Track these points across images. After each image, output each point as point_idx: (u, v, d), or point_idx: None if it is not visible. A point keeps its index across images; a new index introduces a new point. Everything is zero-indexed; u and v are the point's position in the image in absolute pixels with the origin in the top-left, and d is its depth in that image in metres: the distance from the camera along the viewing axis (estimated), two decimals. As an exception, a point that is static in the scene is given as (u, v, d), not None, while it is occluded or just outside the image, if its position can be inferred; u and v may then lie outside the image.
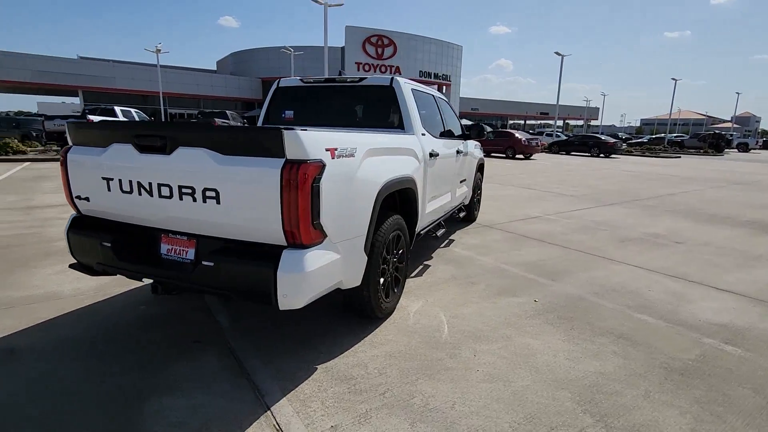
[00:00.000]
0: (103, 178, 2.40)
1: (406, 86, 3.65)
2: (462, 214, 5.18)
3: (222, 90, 44.66)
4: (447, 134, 4.57)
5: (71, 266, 2.67)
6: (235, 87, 45.37)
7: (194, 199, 2.16)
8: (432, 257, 4.48)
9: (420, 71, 43.68)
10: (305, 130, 2.05)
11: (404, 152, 3.14)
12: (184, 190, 2.17)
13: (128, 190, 2.33)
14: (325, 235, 2.17)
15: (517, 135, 20.40)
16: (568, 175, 13.66)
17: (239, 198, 2.07)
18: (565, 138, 28.38)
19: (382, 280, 2.88)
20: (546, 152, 26.83)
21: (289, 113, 4.08)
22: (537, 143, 20.82)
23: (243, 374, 2.33)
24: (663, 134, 42.18)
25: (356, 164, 2.37)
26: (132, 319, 2.96)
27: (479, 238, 5.29)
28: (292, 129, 1.96)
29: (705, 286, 3.85)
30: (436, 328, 2.91)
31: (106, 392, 2.15)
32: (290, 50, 32.55)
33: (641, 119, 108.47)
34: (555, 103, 35.60)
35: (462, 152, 4.79)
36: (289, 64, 34.80)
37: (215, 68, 55.09)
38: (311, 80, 3.96)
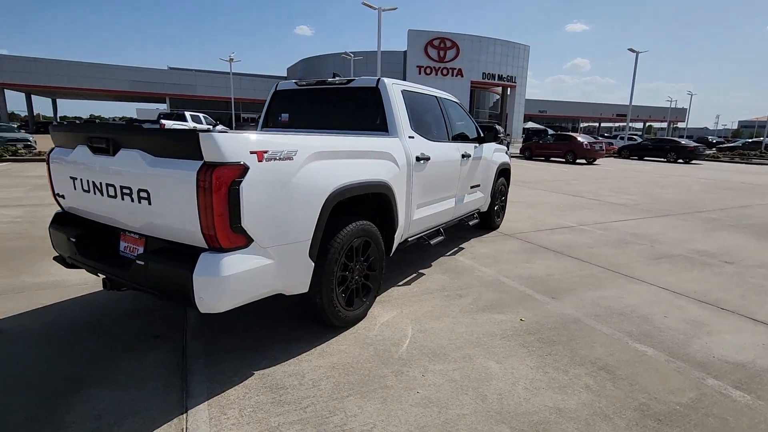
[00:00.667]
0: (71, 177, 2.57)
1: (393, 87, 3.52)
2: (473, 222, 4.88)
3: (289, 95, 46.79)
4: (456, 137, 4.36)
5: (54, 258, 2.88)
6: (303, 92, 47.26)
7: (132, 199, 2.22)
8: (431, 265, 4.28)
9: (483, 73, 42.57)
10: (241, 132, 2.03)
11: (376, 155, 3.02)
12: (124, 190, 2.25)
13: (87, 189, 2.47)
14: (250, 240, 2.12)
15: (578, 138, 19.06)
16: (630, 181, 12.49)
17: (165, 200, 2.10)
18: (638, 142, 26.01)
19: (340, 287, 2.79)
20: (615, 157, 24.85)
21: (285, 116, 4.12)
22: (601, 147, 19.29)
23: (181, 374, 2.36)
24: (762, 138, 37.16)
25: (295, 168, 2.30)
26: (118, 309, 3.13)
27: (492, 248, 4.97)
28: (209, 131, 1.95)
29: (739, 316, 3.27)
30: (396, 342, 2.75)
31: (50, 377, 2.28)
32: (350, 56, 33.29)
33: (739, 121, 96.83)
34: (632, 104, 32.84)
35: (470, 156, 4.52)
36: (354, 69, 35.69)
37: (286, 75, 58.01)
38: (304, 83, 3.96)
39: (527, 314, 3.20)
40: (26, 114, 49.20)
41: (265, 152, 2.14)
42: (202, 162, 1.96)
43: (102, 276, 2.50)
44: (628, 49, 28.18)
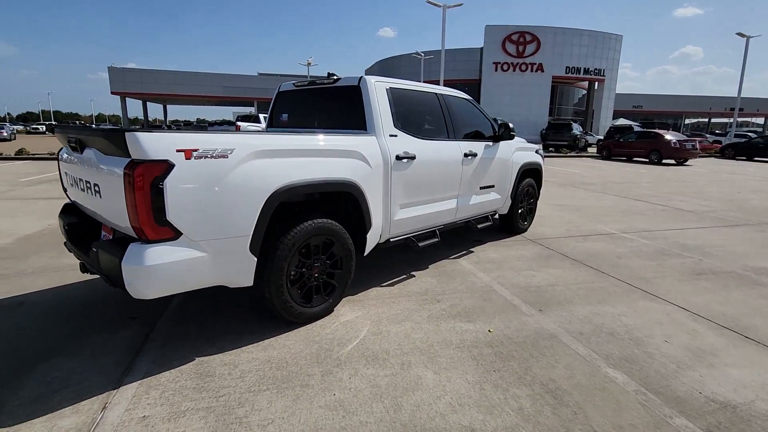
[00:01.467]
0: (65, 173, 2.93)
1: (375, 86, 3.46)
2: (482, 225, 4.56)
3: (365, 96, 48.10)
4: (460, 136, 4.18)
5: (64, 244, 3.31)
6: (377, 93, 48.15)
7: (92, 193, 2.48)
8: (427, 267, 4.15)
9: (567, 67, 39.82)
10: (177, 131, 2.18)
11: (340, 154, 3.00)
12: (88, 184, 2.51)
13: (72, 183, 2.80)
14: (178, 233, 2.25)
15: (665, 136, 16.99)
16: (716, 185, 10.87)
17: (108, 194, 2.31)
18: (747, 140, 22.45)
19: (295, 284, 2.84)
20: (717, 157, 21.79)
21: (284, 116, 4.26)
22: (693, 146, 17.00)
23: (133, 353, 2.58)
24: None
25: (230, 166, 2.38)
26: (119, 291, 3.50)
27: (504, 253, 4.67)
28: (134, 131, 2.10)
29: (763, 347, 2.72)
30: (344, 342, 2.72)
31: (35, 346, 2.62)
32: (420, 55, 33.19)
33: None
34: (749, 96, 28.50)
35: (476, 155, 4.29)
36: (427, 68, 35.61)
37: (363, 76, 59.55)
38: (300, 84, 4.06)
39: (499, 325, 2.97)
40: (143, 118, 56.87)
41: (195, 150, 2.25)
42: (129, 159, 2.13)
43: (80, 261, 2.82)
44: (737, 34, 24.43)
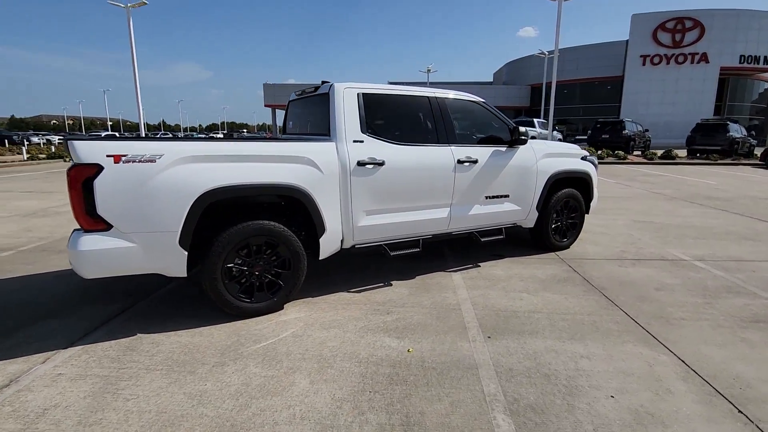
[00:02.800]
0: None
1: (345, 93, 3.48)
2: (487, 239, 4.07)
3: (496, 100, 46.85)
4: (455, 140, 3.92)
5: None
6: (507, 96, 46.31)
7: (76, 189, 3.07)
8: (413, 278, 3.98)
9: (741, 56, 32.66)
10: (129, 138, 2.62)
11: (286, 160, 3.11)
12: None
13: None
14: (110, 225, 2.65)
15: None
16: None
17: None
18: None
19: (232, 279, 3.05)
20: None
21: (290, 124, 4.54)
22: None
23: (101, 323, 3.09)
24: None
25: (159, 169, 2.70)
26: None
27: (514, 271, 4.18)
28: (72, 139, 2.56)
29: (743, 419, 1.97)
30: (260, 340, 2.83)
31: (40, 307, 3.34)
32: (545, 54, 30.80)
33: None
34: None
35: (475, 162, 3.95)
36: (561, 66, 32.97)
37: (492, 80, 57.90)
38: (298, 94, 4.27)
39: (426, 347, 2.73)
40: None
41: (123, 156, 2.63)
42: (72, 163, 2.60)
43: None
44: None
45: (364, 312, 3.26)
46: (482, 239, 4.23)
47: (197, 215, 2.83)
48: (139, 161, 2.67)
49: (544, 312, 3.24)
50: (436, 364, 2.55)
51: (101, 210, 2.60)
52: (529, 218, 4.58)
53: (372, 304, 3.42)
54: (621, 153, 17.30)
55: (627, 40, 35.39)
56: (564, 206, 4.82)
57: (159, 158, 2.71)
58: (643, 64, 34.49)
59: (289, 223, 3.21)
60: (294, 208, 3.27)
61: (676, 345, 2.75)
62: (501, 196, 4.28)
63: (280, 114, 62.79)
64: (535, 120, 19.37)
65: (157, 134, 36.60)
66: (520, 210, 4.45)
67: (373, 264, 4.35)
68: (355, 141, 3.45)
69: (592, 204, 5.11)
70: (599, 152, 17.32)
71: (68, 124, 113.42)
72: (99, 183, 2.57)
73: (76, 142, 2.56)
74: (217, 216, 3.01)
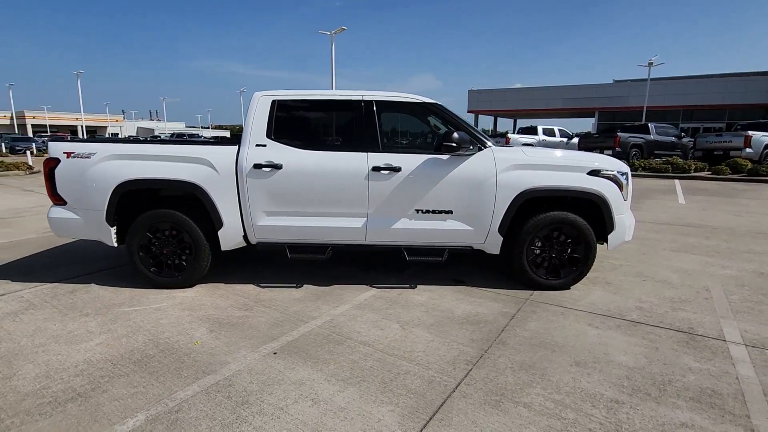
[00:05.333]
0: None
1: (260, 100, 3.72)
2: (414, 258, 3.47)
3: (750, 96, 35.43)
4: (377, 146, 3.67)
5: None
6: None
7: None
8: (329, 286, 3.90)
9: None
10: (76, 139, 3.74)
11: (188, 160, 3.62)
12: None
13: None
14: (65, 202, 3.73)
15: None
16: None
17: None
18: None
19: (148, 255, 3.78)
20: None
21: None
22: None
23: (64, 278, 4.30)
24: None
25: (91, 164, 3.63)
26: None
27: (434, 301, 3.55)
28: (50, 140, 3.73)
29: None
30: (132, 304, 3.45)
31: (84, 257, 4.82)
32: None
33: None
34: None
35: (398, 170, 3.56)
36: None
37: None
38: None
39: (222, 342, 2.81)
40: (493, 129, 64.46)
41: (72, 152, 3.66)
42: (47, 156, 3.78)
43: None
44: None
45: (230, 303, 3.49)
46: (409, 257, 3.75)
47: (116, 200, 3.65)
48: (81, 157, 3.66)
49: (370, 348, 2.77)
50: (193, 362, 2.63)
51: (59, 190, 3.71)
52: (489, 243, 3.75)
53: (249, 299, 3.59)
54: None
55: None
56: (553, 234, 3.72)
57: (93, 155, 3.66)
58: None
59: (193, 215, 3.73)
60: (196, 202, 3.76)
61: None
62: (440, 212, 3.69)
63: (483, 120, 62.85)
64: (540, 126, 18.06)
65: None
66: (472, 231, 3.71)
67: (325, 267, 4.41)
68: (257, 145, 3.67)
69: (616, 235, 3.74)
70: None
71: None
72: (57, 171, 3.68)
73: (50, 142, 3.74)
74: (138, 202, 3.79)
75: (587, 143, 17.35)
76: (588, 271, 3.80)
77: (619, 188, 3.68)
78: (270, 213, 3.71)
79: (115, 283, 3.94)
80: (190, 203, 3.81)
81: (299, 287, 3.87)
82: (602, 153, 16.73)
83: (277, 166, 3.61)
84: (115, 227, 3.75)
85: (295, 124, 3.80)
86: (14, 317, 3.22)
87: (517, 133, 19.82)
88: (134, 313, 3.30)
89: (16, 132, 57.03)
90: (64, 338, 2.89)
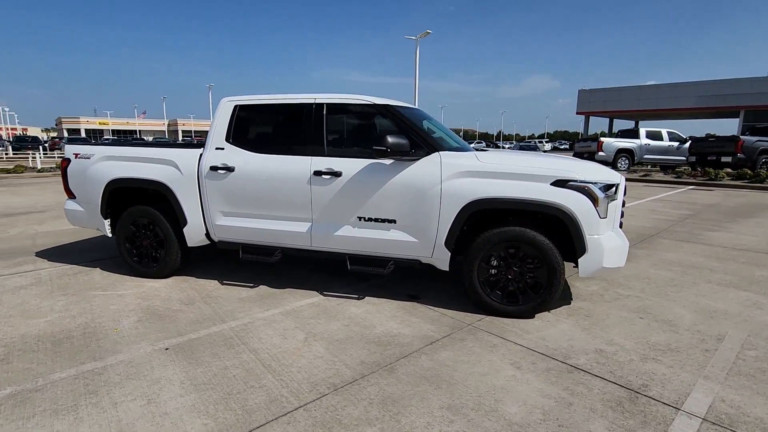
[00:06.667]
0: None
1: (223, 105, 3.89)
2: (355, 267, 3.26)
3: None
4: (321, 150, 3.59)
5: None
6: None
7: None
8: (284, 288, 3.91)
9: None
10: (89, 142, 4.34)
11: (158, 161, 3.95)
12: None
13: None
14: (75, 196, 4.35)
15: None
16: None
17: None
18: None
19: (132, 245, 4.21)
20: None
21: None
22: None
23: (76, 262, 4.93)
24: None
25: (90, 163, 4.16)
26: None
27: (369, 315, 3.31)
28: (67, 143, 4.37)
29: None
30: (101, 288, 3.87)
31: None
32: None
33: None
34: None
35: (338, 175, 3.43)
36: None
37: None
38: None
39: (129, 322, 3.02)
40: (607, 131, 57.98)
41: (78, 154, 4.25)
42: (63, 156, 4.43)
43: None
44: None
45: (182, 296, 3.70)
46: (351, 267, 3.57)
47: (107, 195, 4.15)
48: (84, 158, 4.23)
49: (254, 356, 2.70)
50: (96, 347, 2.85)
51: (70, 185, 4.34)
52: (436, 257, 3.39)
53: (200, 293, 3.76)
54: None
55: None
56: (509, 252, 3.21)
57: (92, 156, 4.20)
58: None
59: (164, 212, 4.05)
60: (166, 200, 4.06)
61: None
62: (383, 220, 3.44)
63: (595, 122, 56.66)
64: (643, 129, 15.85)
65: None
66: (417, 243, 3.39)
67: (307, 269, 4.44)
68: (217, 148, 3.85)
69: (590, 260, 3.09)
70: None
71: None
72: (69, 169, 4.30)
73: (66, 146, 4.39)
74: (127, 198, 4.23)
75: (700, 148, 14.62)
76: (552, 299, 3.20)
77: (593, 202, 3.03)
78: (226, 213, 3.86)
79: (114, 270, 4.46)
80: (163, 201, 4.14)
81: (254, 287, 3.95)
82: (719, 160, 14.02)
83: (230, 169, 3.74)
84: (108, 220, 4.26)
85: (251, 128, 3.89)
86: (14, 292, 3.84)
87: (616, 135, 17.48)
88: (100, 298, 3.70)
89: (166, 137, 68.59)
90: (31, 313, 3.36)
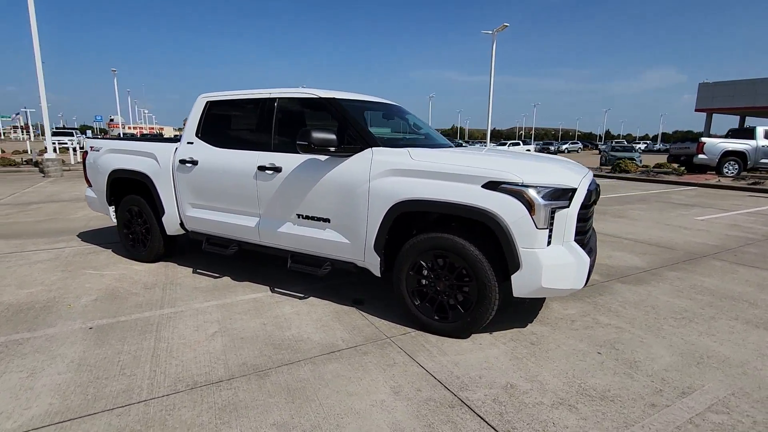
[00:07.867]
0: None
1: (199, 101, 4.06)
2: (295, 266, 3.19)
3: None
4: (268, 145, 3.58)
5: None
6: None
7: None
8: (255, 283, 3.98)
9: None
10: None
11: (144, 154, 4.27)
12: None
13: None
14: (91, 184, 4.89)
15: None
16: None
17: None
18: None
19: (128, 231, 4.62)
20: None
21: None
22: None
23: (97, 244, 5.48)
24: None
25: (98, 155, 4.65)
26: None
27: (302, 315, 3.19)
28: (88, 138, 4.93)
29: None
30: (95, 267, 4.28)
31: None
32: None
33: None
34: None
35: (278, 170, 3.37)
36: None
37: None
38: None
39: (88, 304, 3.30)
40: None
41: (93, 147, 4.77)
42: (83, 149, 5.01)
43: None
44: None
45: (152, 280, 3.95)
46: (290, 265, 3.48)
47: (110, 184, 4.60)
48: (96, 150, 4.75)
49: (158, 344, 2.75)
50: (42, 321, 3.16)
51: (88, 174, 4.90)
52: (368, 261, 3.15)
53: (168, 280, 3.98)
54: None
55: None
56: (437, 263, 2.85)
57: (101, 149, 4.69)
58: None
59: (149, 201, 4.36)
60: (149, 190, 4.35)
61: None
62: (318, 219, 3.30)
63: (719, 120, 48.62)
64: (761, 128, 13.07)
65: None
66: (349, 245, 3.19)
67: (275, 267, 4.49)
68: (188, 142, 4.03)
69: (525, 277, 2.61)
70: None
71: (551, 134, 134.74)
72: (87, 160, 4.87)
73: (86, 139, 4.97)
74: (127, 187, 4.65)
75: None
76: (483, 318, 2.76)
77: (529, 209, 2.55)
78: (194, 205, 4.03)
79: (121, 252, 4.95)
80: (147, 192, 4.45)
81: (218, 278, 4.07)
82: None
83: (194, 162, 3.89)
84: (113, 207, 4.72)
85: (217, 123, 3.99)
86: (31, 265, 4.44)
87: (727, 135, 14.59)
88: (86, 276, 4.11)
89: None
90: (26, 284, 3.86)
